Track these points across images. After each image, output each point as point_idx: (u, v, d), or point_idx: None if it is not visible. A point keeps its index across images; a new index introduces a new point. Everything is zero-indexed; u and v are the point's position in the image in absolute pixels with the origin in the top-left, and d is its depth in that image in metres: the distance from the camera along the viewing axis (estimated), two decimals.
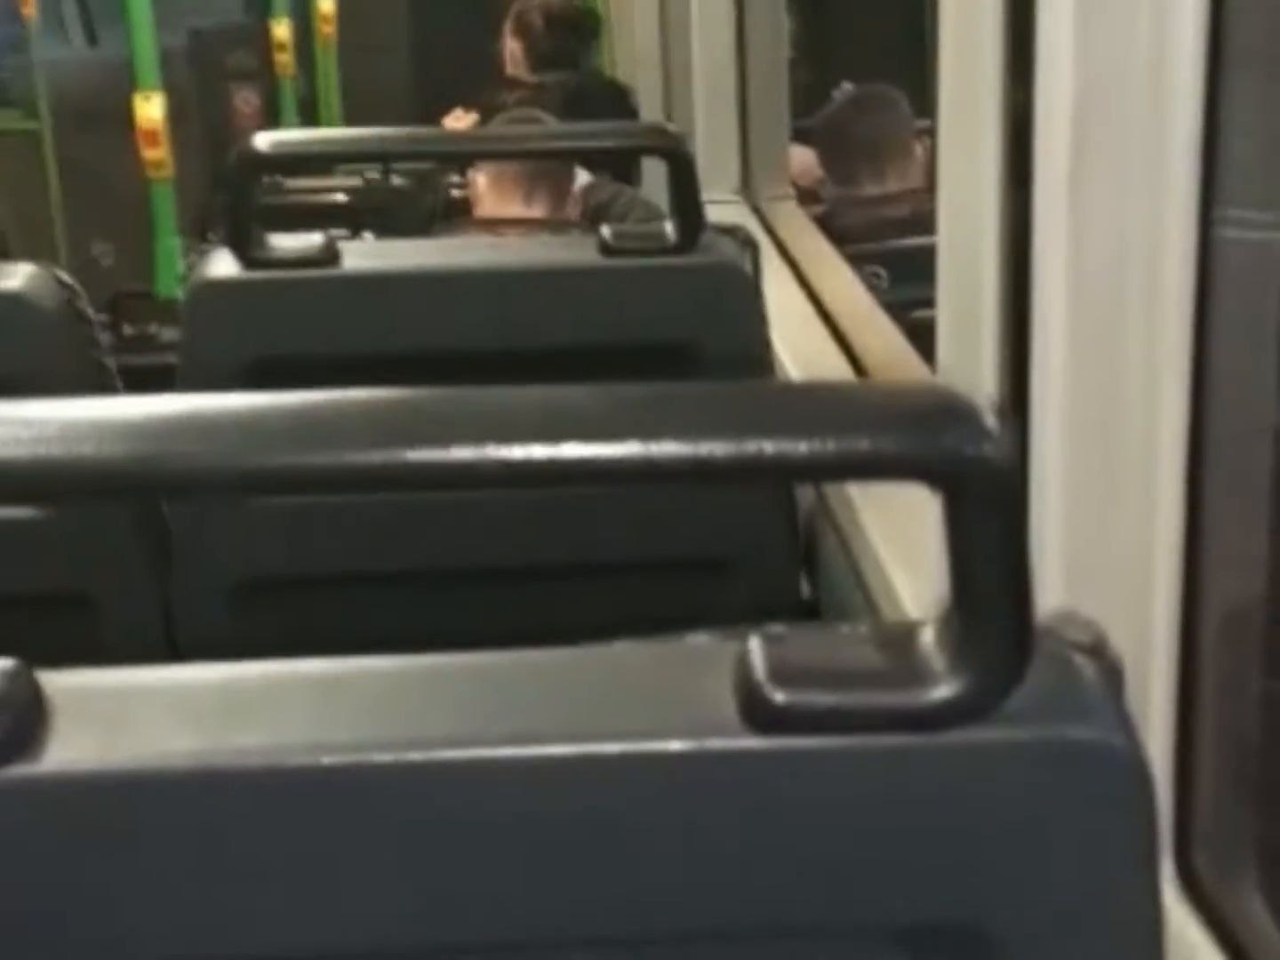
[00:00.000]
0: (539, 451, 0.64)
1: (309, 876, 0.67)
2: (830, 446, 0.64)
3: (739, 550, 1.70)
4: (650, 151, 2.06)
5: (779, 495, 1.71)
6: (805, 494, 1.81)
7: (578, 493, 1.67)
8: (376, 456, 0.63)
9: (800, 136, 3.26)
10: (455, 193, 3.86)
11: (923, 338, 1.95)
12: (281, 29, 6.97)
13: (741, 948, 0.71)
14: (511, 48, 4.98)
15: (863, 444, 0.64)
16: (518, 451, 0.64)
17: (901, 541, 1.49)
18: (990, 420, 0.65)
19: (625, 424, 0.65)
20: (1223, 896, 0.96)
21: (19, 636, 0.70)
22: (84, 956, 0.68)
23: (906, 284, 2.43)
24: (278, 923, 0.68)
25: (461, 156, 2.43)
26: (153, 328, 4.09)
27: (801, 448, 0.64)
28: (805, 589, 1.79)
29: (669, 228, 1.69)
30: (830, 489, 1.74)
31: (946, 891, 0.69)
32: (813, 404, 0.68)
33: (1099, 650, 0.72)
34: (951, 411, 0.65)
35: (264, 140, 1.73)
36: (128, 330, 4.09)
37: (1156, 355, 0.93)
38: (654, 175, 3.71)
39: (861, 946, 0.70)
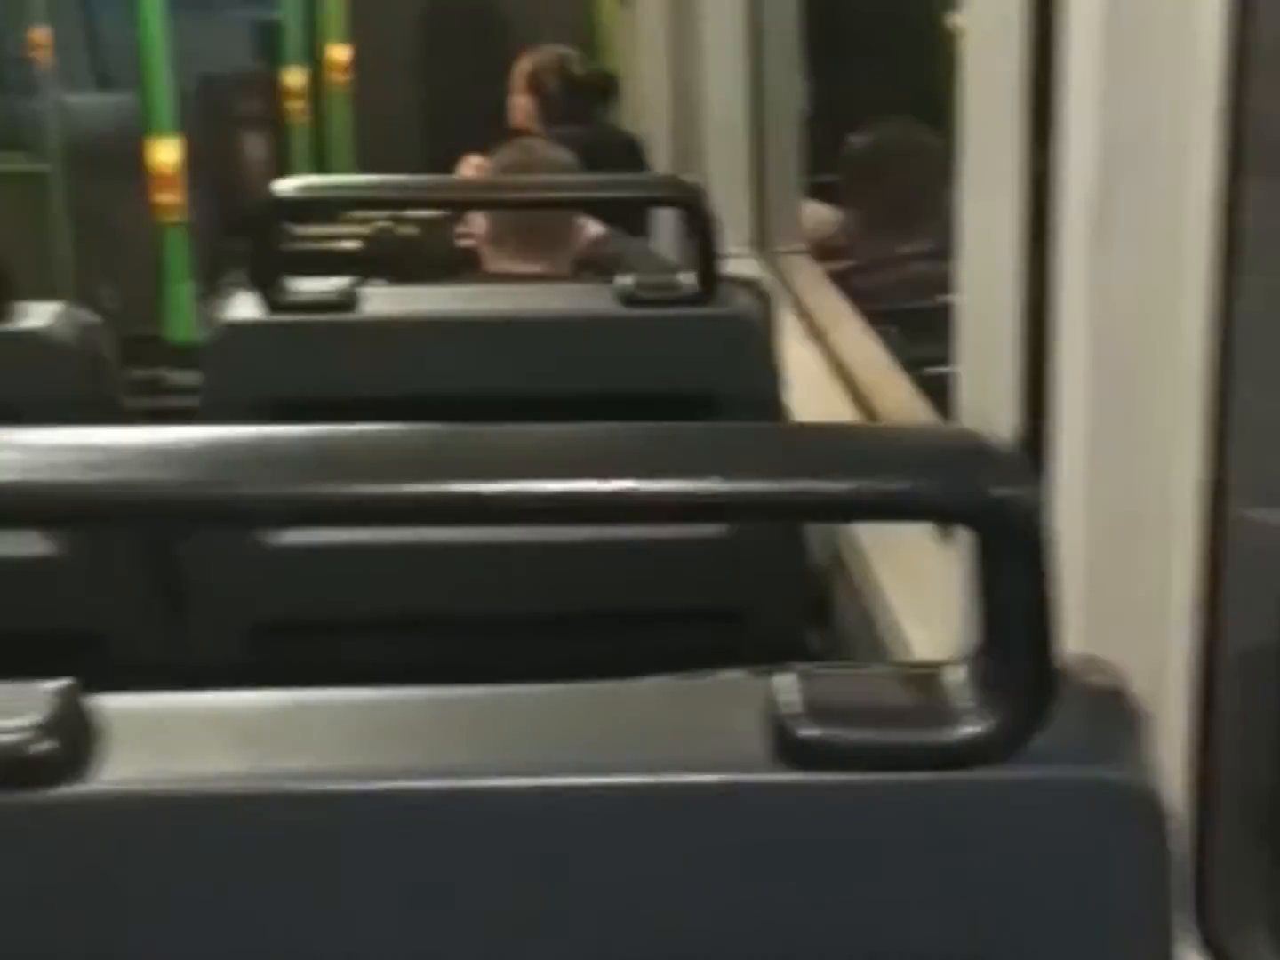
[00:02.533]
0: (577, 486, 0.66)
1: (352, 900, 0.68)
2: (867, 487, 0.65)
3: (750, 601, 1.71)
4: (669, 203, 2.08)
5: (791, 545, 1.73)
6: (816, 546, 1.82)
7: (590, 539, 1.68)
8: (396, 488, 0.64)
9: (812, 193, 3.29)
10: (466, 242, 3.88)
11: (938, 395, 1.97)
12: (294, 76, 7.03)
13: None
14: (522, 103, 5.02)
15: (897, 485, 0.65)
16: (554, 486, 0.65)
17: (915, 593, 1.51)
18: (1022, 464, 0.67)
19: (664, 461, 0.66)
20: (1241, 948, 0.96)
21: (32, 674, 0.71)
22: None
23: (918, 343, 2.45)
24: (320, 945, 0.69)
25: (480, 204, 2.45)
26: (162, 371, 4.11)
27: (838, 487, 0.66)
28: (814, 641, 1.80)
29: (686, 279, 1.72)
30: (844, 540, 1.76)
31: (968, 927, 0.70)
32: (849, 445, 0.69)
33: (1121, 694, 0.74)
34: (984, 455, 0.67)
35: (288, 185, 1.76)
36: (137, 374, 4.10)
37: (1176, 403, 0.95)
38: (663, 229, 3.74)
39: None
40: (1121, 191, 0.96)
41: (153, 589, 1.76)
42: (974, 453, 0.67)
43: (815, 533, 1.83)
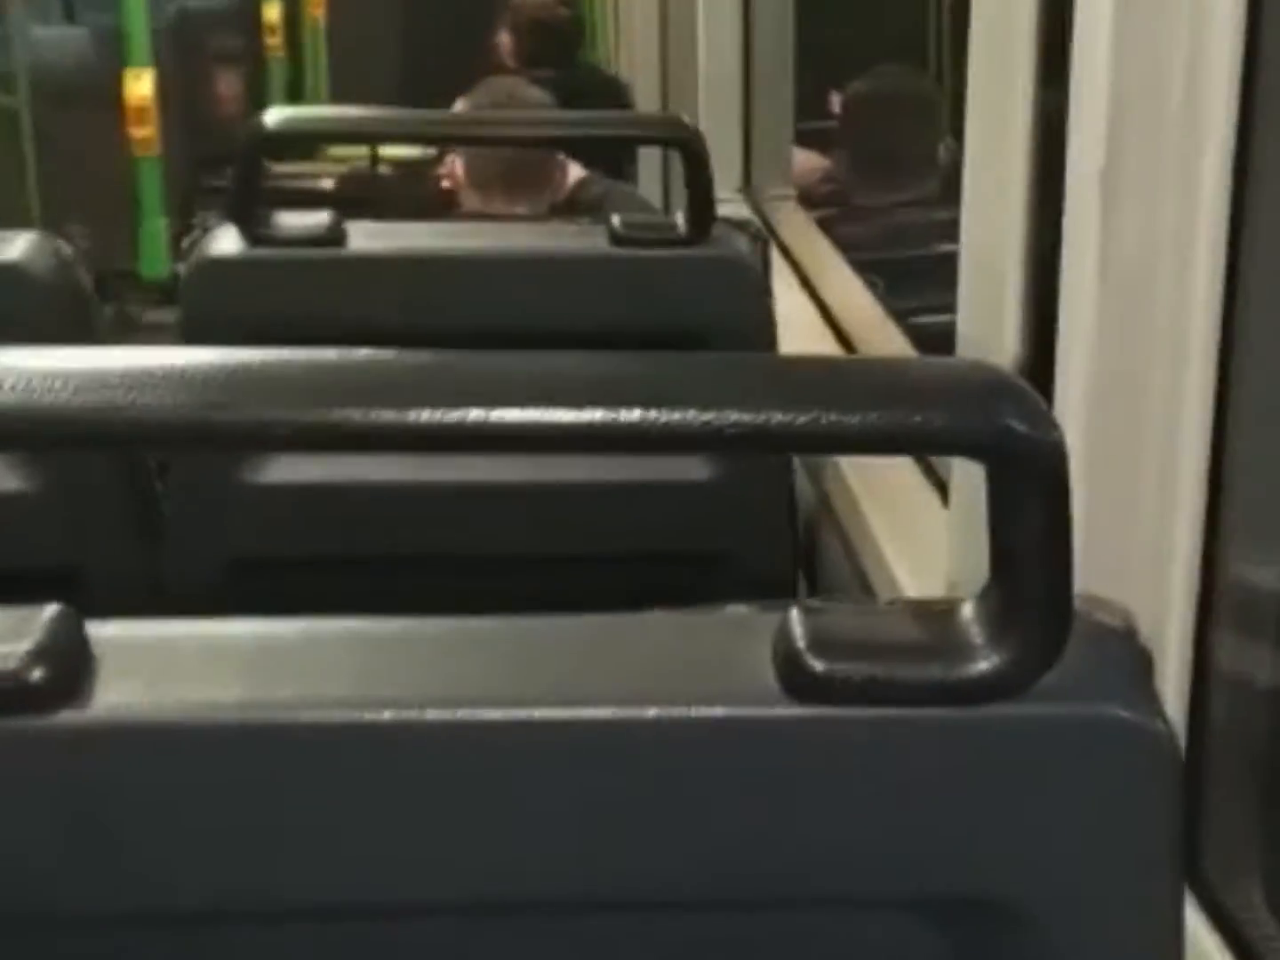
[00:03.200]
0: (593, 415, 0.65)
1: (349, 830, 0.68)
2: (884, 419, 0.65)
3: (736, 543, 1.71)
4: (664, 142, 2.06)
5: (778, 488, 1.72)
6: (803, 488, 1.82)
7: (574, 479, 1.67)
8: (386, 414, 0.63)
9: (800, 139, 3.26)
10: (445, 184, 3.85)
11: (927, 346, 1.96)
12: (272, 11, 6.96)
13: (776, 914, 0.71)
14: (505, 41, 4.99)
15: (915, 418, 0.65)
16: (575, 415, 0.64)
17: (903, 536, 1.50)
18: (1038, 400, 0.66)
19: (677, 390, 0.65)
20: (1232, 897, 0.97)
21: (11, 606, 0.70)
22: (122, 901, 0.68)
23: (905, 293, 2.44)
24: (313, 875, 0.68)
25: (471, 140, 2.42)
26: (135, 308, 4.08)
27: (854, 419, 0.65)
28: (802, 584, 1.80)
29: (678, 220, 1.70)
30: (831, 483, 1.75)
31: (976, 864, 0.70)
32: (861, 376, 0.68)
33: (1130, 634, 0.74)
34: (999, 387, 0.66)
35: (273, 117, 1.73)
36: (109, 311, 4.07)
37: (1182, 347, 0.95)
38: (646, 172, 3.72)
39: (890, 915, 0.71)
40: (1134, 137, 0.95)
41: (130, 523, 1.75)
42: (989, 385, 0.66)
43: (801, 476, 1.82)
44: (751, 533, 1.70)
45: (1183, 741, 0.96)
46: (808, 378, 0.69)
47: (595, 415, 0.64)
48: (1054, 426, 0.65)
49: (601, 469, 1.66)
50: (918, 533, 1.47)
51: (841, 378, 0.69)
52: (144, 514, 1.75)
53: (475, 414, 0.64)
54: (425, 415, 0.63)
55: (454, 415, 0.64)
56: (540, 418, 0.64)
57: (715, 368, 0.69)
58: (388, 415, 0.63)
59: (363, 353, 0.66)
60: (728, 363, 0.71)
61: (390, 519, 1.70)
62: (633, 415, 0.64)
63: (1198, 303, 0.95)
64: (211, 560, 1.72)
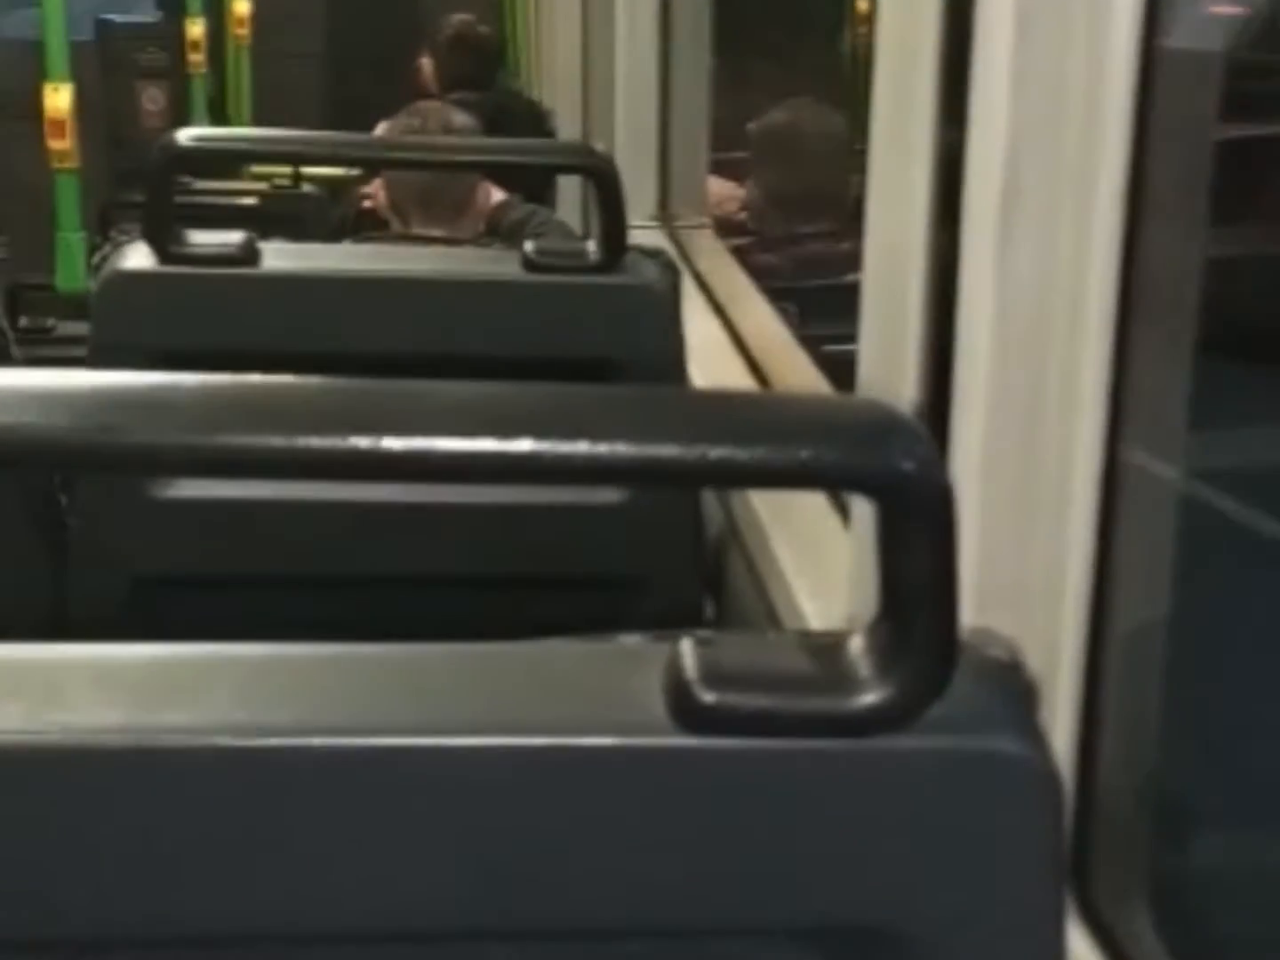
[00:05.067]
0: (491, 445, 0.65)
1: (226, 857, 0.67)
2: (773, 454, 0.65)
3: (645, 569, 1.72)
4: (578, 170, 2.07)
5: (686, 514, 1.73)
6: (712, 514, 1.83)
7: (485, 502, 1.67)
8: (289, 441, 0.63)
9: (714, 169, 3.30)
10: (367, 204, 3.85)
11: (836, 372, 1.98)
12: (196, 28, 6.92)
13: (660, 943, 0.72)
14: (426, 65, 4.99)
15: (804, 453, 0.65)
16: (471, 445, 0.64)
17: (808, 565, 1.52)
18: (928, 437, 0.67)
19: (572, 422, 0.66)
20: (1118, 919, 0.98)
21: None
22: (6, 927, 0.67)
23: (818, 320, 2.47)
24: (191, 902, 0.68)
25: (386, 163, 2.42)
26: (50, 321, 4.03)
27: (743, 454, 0.65)
28: (709, 609, 1.80)
29: (591, 247, 1.71)
30: (739, 510, 1.76)
31: (860, 893, 0.71)
32: (756, 412, 0.69)
33: (1015, 667, 0.75)
34: (891, 426, 0.67)
35: (186, 135, 1.72)
36: (23, 322, 4.01)
37: (1076, 385, 0.97)
38: (564, 198, 3.73)
39: (780, 944, 0.72)
40: (1031, 170, 0.97)
41: (33, 539, 1.73)
42: (881, 424, 0.67)
43: (710, 503, 1.84)
44: (660, 558, 1.71)
45: (1071, 772, 0.97)
46: (704, 412, 0.69)
47: (488, 444, 0.65)
48: (942, 467, 0.66)
49: (509, 491, 1.66)
50: (823, 561, 1.49)
51: (738, 412, 0.69)
52: (46, 531, 1.73)
53: (366, 441, 0.64)
54: (315, 441, 0.63)
55: (345, 442, 0.64)
56: (431, 446, 0.64)
57: (612, 400, 0.69)
58: (278, 441, 0.63)
59: (257, 378, 0.66)
60: (625, 396, 0.72)
61: (295, 538, 1.69)
62: (525, 446, 0.64)
63: (1092, 340, 0.97)
64: (113, 578, 1.70)
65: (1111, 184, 0.96)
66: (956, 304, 1.02)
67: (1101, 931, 0.99)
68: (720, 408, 0.70)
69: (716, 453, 0.65)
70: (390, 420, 0.64)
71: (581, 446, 0.65)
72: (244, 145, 2.05)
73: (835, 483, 0.67)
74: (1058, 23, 0.96)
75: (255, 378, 0.66)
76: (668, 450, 0.65)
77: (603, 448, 0.65)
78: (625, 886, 0.69)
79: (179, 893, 0.67)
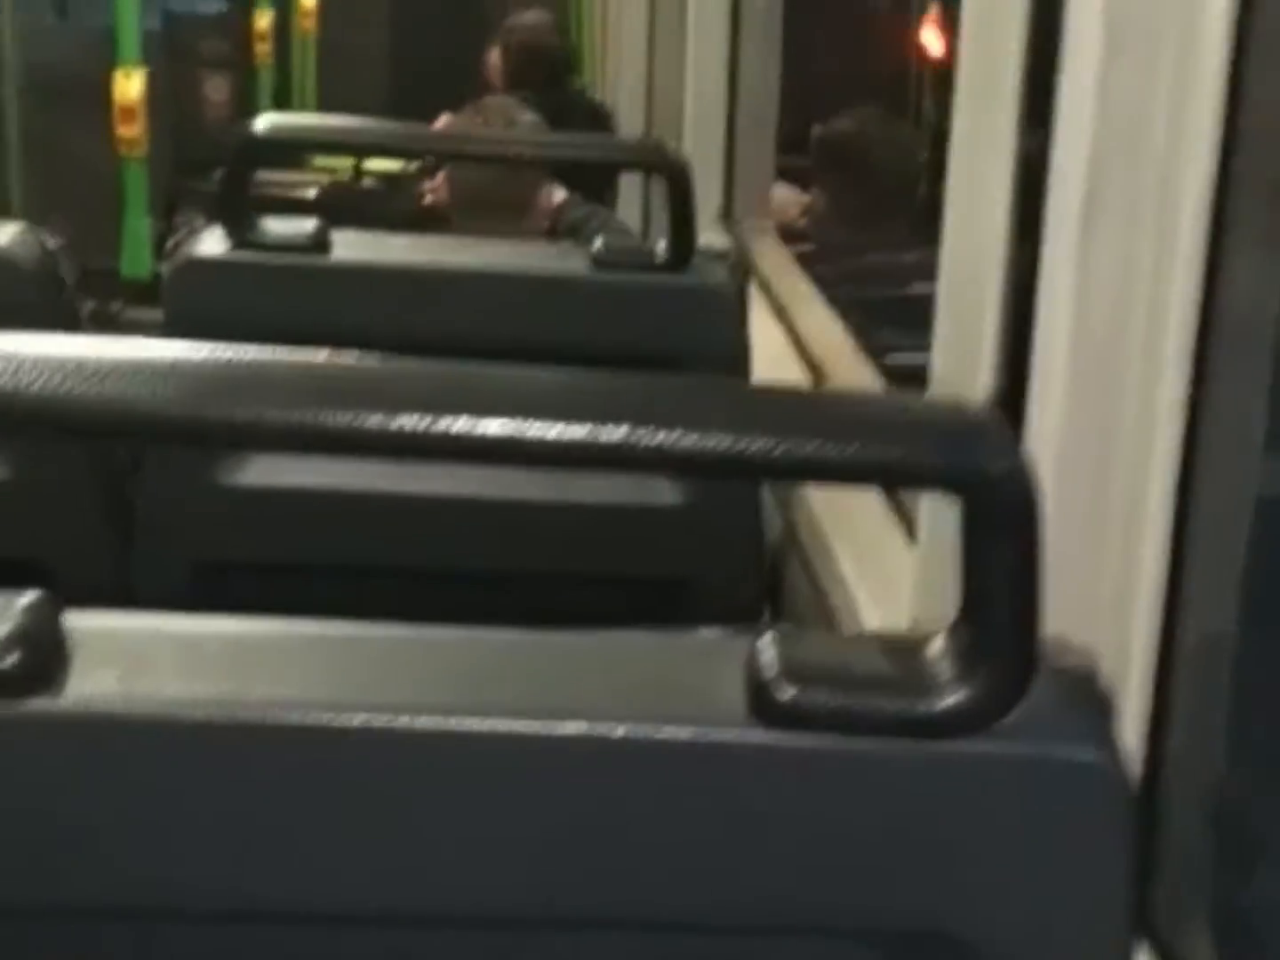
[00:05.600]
0: (576, 431, 0.65)
1: (313, 834, 0.68)
2: (864, 451, 0.65)
3: (702, 570, 1.72)
4: (650, 168, 2.07)
5: (745, 516, 1.73)
6: (769, 518, 1.82)
7: (545, 499, 1.67)
8: (356, 419, 0.63)
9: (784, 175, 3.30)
10: (428, 200, 3.86)
11: (897, 384, 1.98)
12: (264, 19, 6.97)
13: (736, 939, 0.72)
14: (494, 61, 5.01)
15: (896, 451, 0.66)
16: (544, 429, 0.65)
17: (870, 572, 1.51)
18: (1014, 438, 0.67)
19: (670, 412, 0.66)
20: (1178, 939, 0.98)
21: None
22: (88, 892, 0.68)
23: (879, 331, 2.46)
24: (276, 877, 0.68)
25: (468, 156, 2.43)
26: (114, 306, 4.07)
27: (836, 449, 0.66)
28: (765, 613, 1.80)
29: (660, 246, 1.71)
30: (799, 516, 1.76)
31: (930, 898, 0.70)
32: (846, 409, 0.69)
33: (1093, 677, 0.75)
34: (981, 427, 0.67)
35: (265, 121, 1.73)
36: (88, 307, 4.04)
37: (1154, 389, 0.96)
38: (628, 197, 3.73)
39: (838, 945, 0.72)
40: (1114, 181, 0.97)
41: (99, 521, 1.74)
42: (971, 425, 0.67)
43: (768, 504, 1.83)
44: (717, 559, 1.71)
45: (1138, 786, 0.97)
46: (792, 406, 0.69)
47: (574, 431, 0.65)
48: (1030, 467, 0.66)
49: (571, 489, 1.66)
50: (881, 566, 1.48)
51: (829, 408, 0.69)
52: (113, 512, 1.75)
53: (455, 423, 0.64)
54: (409, 422, 0.64)
55: (436, 423, 0.64)
56: (518, 430, 0.65)
57: (697, 390, 0.70)
58: (373, 420, 0.64)
59: (347, 357, 0.67)
60: (709, 386, 0.72)
61: (358, 528, 1.70)
62: (613, 433, 0.65)
63: (1170, 353, 0.96)
64: (177, 561, 1.72)
65: (1195, 198, 0.95)
66: (1033, 314, 1.02)
67: (1160, 948, 0.98)
68: (809, 402, 0.70)
69: (807, 446, 0.65)
70: (473, 402, 0.65)
71: (671, 436, 0.65)
72: (319, 134, 2.06)
73: (926, 481, 0.67)
74: (1147, 35, 0.96)
75: (342, 355, 0.67)
76: (757, 442, 0.65)
77: (692, 437, 0.65)
78: (698, 878, 0.70)
79: (261, 867, 0.68)
